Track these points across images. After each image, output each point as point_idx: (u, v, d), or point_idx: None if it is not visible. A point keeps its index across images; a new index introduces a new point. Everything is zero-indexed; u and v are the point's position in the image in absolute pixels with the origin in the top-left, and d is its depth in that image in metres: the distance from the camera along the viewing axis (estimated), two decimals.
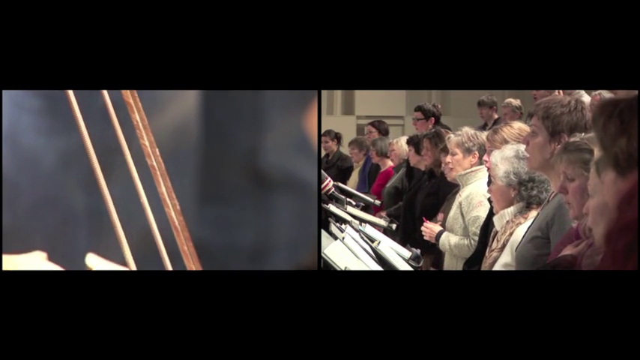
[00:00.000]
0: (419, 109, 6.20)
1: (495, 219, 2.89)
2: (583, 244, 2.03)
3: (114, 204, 1.83)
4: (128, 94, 1.86)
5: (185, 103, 2.51)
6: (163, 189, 1.89)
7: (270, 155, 2.55)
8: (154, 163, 1.90)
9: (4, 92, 2.28)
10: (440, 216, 4.05)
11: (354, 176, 7.46)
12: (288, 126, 2.58)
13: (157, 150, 1.90)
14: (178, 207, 1.90)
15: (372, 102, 11.50)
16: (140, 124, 1.88)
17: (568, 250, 2.07)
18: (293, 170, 2.57)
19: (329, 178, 3.21)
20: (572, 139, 2.23)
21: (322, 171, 3.10)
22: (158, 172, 1.89)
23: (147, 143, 1.89)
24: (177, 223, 1.87)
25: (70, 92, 1.82)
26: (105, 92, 1.87)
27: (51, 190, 2.47)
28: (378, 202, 4.13)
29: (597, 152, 2.05)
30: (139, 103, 1.88)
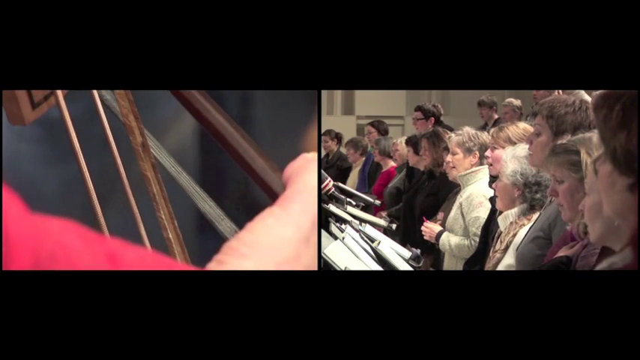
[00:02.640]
0: (419, 109, 6.21)
1: (500, 219, 2.90)
2: (578, 245, 2.04)
3: (112, 232, 1.81)
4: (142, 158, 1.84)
5: (181, 135, 2.51)
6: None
7: None
8: (170, 236, 1.85)
9: None
10: (440, 215, 4.06)
11: (352, 176, 7.46)
12: (282, 154, 2.58)
13: (176, 221, 1.86)
14: None
15: (372, 102, 11.53)
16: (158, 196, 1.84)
17: (563, 252, 2.08)
18: None
19: (329, 178, 3.21)
20: (559, 142, 2.24)
21: (322, 171, 3.10)
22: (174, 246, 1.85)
23: (163, 215, 1.85)
24: None
25: (68, 119, 1.81)
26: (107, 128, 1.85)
27: None
28: (378, 202, 4.14)
29: (585, 153, 2.06)
30: (159, 176, 1.84)
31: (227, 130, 1.43)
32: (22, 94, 1.81)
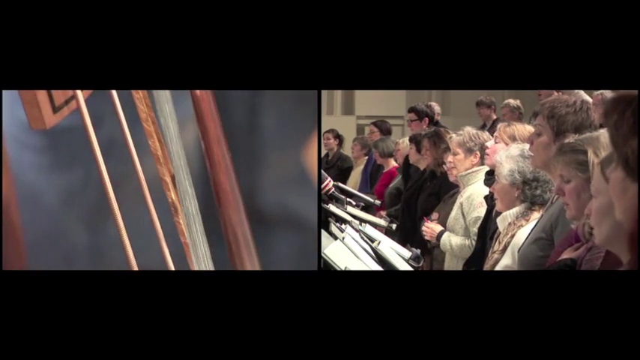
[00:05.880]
0: (412, 110, 6.19)
1: (498, 220, 2.89)
2: (582, 247, 2.03)
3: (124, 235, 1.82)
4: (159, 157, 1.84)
5: (184, 141, 2.52)
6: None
7: (268, 193, 2.56)
8: (188, 241, 1.87)
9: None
10: (434, 215, 4.05)
11: (354, 176, 7.45)
12: (285, 163, 2.58)
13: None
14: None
15: (372, 102, 11.52)
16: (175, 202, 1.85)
17: (567, 254, 2.07)
18: (291, 206, 2.57)
19: (329, 178, 3.21)
20: (566, 141, 2.23)
21: (322, 171, 3.10)
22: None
23: (181, 220, 1.87)
24: None
25: (89, 122, 1.80)
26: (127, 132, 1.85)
27: (52, 228, 2.47)
28: (378, 202, 4.13)
29: (593, 153, 2.05)
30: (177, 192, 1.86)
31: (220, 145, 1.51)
32: (43, 98, 1.81)
